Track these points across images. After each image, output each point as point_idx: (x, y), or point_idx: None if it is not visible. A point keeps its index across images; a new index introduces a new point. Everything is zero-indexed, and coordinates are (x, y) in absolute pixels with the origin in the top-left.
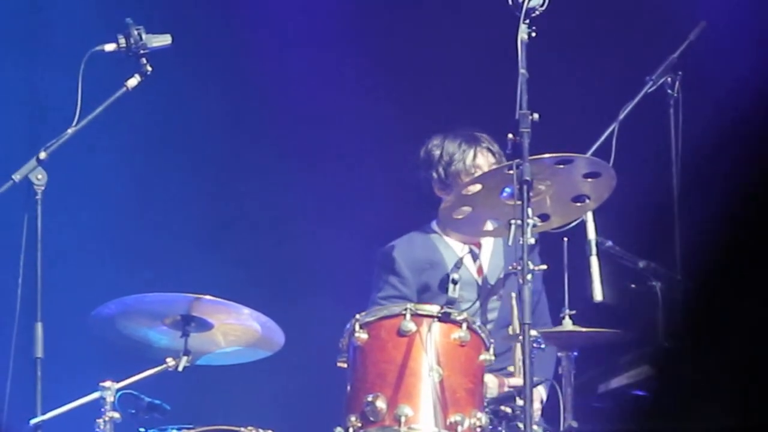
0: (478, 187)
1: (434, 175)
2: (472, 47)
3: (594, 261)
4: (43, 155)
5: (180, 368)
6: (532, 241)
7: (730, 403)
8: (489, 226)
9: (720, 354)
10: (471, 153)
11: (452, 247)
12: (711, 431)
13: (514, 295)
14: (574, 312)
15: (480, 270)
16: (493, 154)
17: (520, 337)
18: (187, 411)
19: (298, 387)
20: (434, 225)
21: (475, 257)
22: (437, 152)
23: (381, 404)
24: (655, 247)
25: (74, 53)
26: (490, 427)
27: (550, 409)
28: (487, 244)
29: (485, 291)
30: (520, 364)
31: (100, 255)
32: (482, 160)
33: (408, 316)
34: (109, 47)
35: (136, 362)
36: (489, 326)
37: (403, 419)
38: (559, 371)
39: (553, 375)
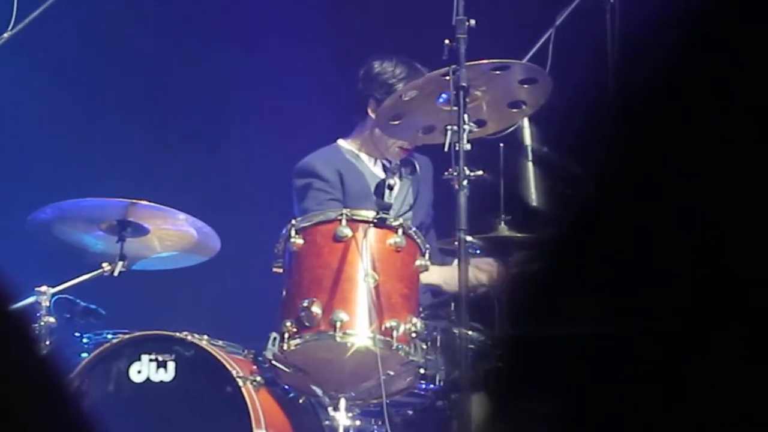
0: (413, 93)
1: (377, 95)
2: None
3: (530, 167)
4: None
5: (116, 273)
6: (468, 146)
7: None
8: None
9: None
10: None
11: (362, 158)
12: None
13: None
14: (509, 218)
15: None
16: None
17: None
18: (122, 316)
19: (233, 292)
20: (341, 142)
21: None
22: (387, 73)
23: (316, 309)
24: (591, 154)
25: None
26: (425, 332)
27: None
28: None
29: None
30: None
31: (38, 160)
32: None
33: (344, 222)
34: None
35: (72, 267)
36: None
37: (338, 324)
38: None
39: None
